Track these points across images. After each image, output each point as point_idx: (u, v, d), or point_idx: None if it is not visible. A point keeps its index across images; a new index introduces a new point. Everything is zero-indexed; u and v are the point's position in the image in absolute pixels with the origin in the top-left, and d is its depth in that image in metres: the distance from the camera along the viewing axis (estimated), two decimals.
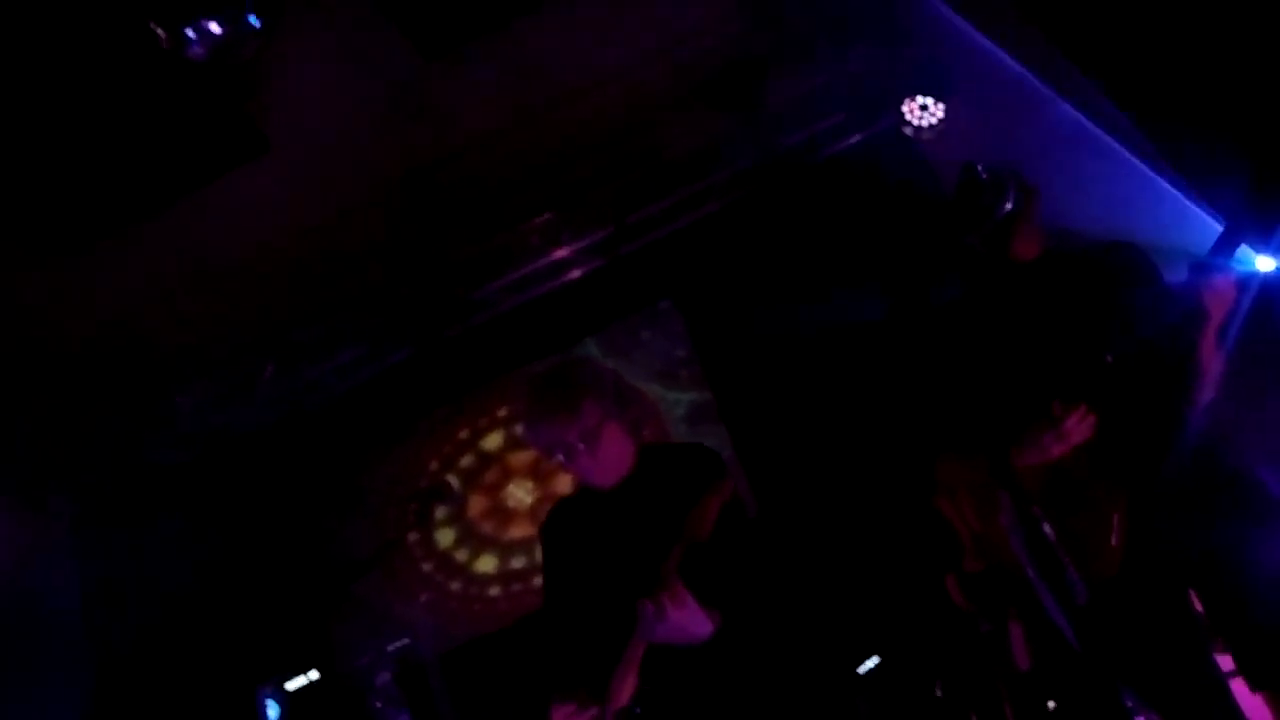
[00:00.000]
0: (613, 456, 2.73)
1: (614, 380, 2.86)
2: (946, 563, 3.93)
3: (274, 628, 5.62)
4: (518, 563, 5.91)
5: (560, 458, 2.75)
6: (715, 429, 5.85)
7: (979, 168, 2.93)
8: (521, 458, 6.11)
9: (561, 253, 6.04)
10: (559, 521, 2.93)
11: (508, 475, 6.10)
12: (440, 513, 3.85)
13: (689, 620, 2.43)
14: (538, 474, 6.01)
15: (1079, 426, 2.65)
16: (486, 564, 5.95)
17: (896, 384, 4.75)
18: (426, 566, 5.97)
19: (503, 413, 6.28)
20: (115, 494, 6.13)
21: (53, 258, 5.03)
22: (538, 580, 5.74)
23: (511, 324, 6.11)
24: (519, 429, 2.97)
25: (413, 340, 6.10)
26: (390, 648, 3.94)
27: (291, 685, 3.56)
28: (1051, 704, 3.42)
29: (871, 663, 4.42)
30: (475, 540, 6.00)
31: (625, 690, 2.49)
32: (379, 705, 3.71)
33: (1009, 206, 2.89)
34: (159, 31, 3.81)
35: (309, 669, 3.73)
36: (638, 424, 2.87)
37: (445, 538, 5.99)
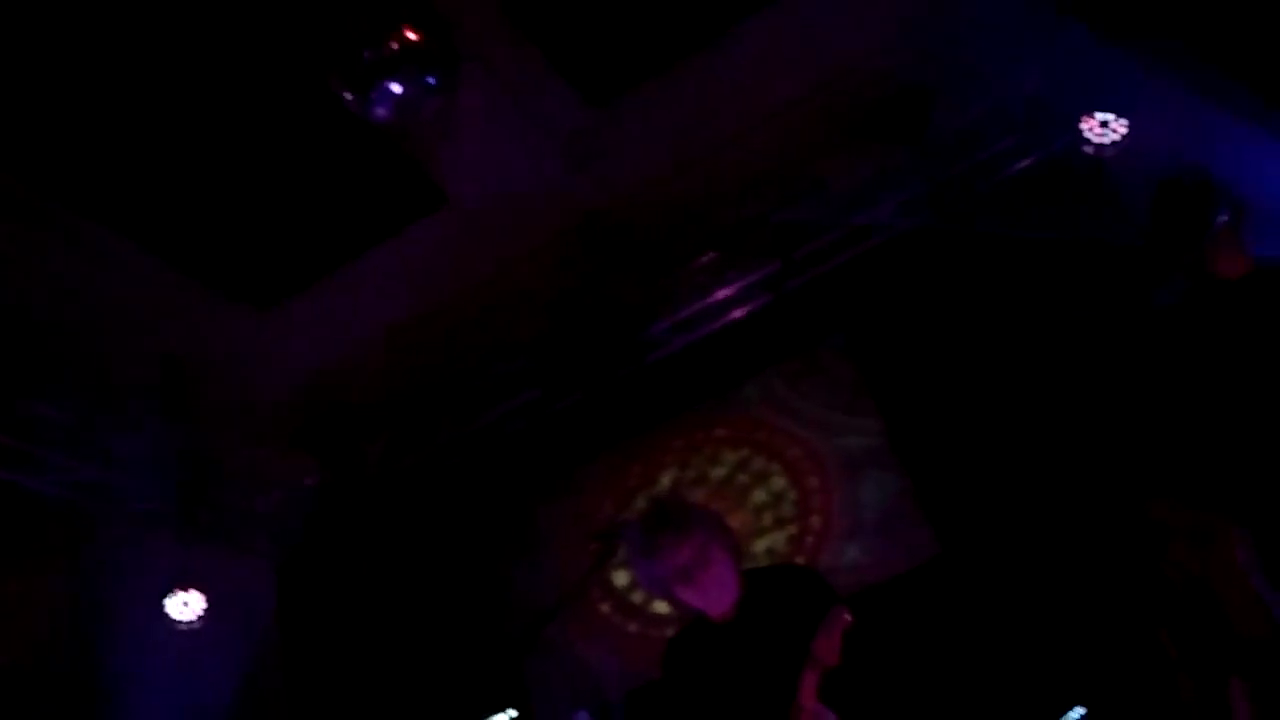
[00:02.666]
0: (724, 578, 2.83)
1: (712, 512, 3.07)
2: (1159, 612, 3.68)
3: (468, 669, 5.75)
4: None
5: (676, 588, 2.83)
6: (882, 475, 5.68)
7: (1184, 180, 2.75)
8: (696, 495, 6.08)
9: (728, 291, 6.02)
10: (679, 653, 3.01)
11: None
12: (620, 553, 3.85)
13: None
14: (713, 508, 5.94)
15: None
16: (662, 605, 5.91)
17: (1093, 420, 4.51)
18: (604, 607, 5.99)
19: (677, 448, 6.26)
20: (310, 542, 6.41)
21: (248, 312, 5.34)
22: None
23: (682, 363, 6.11)
24: (631, 570, 3.11)
25: (583, 383, 6.17)
26: (583, 688, 3.92)
27: None
28: None
29: (1076, 715, 4.17)
30: None
31: None
32: None
33: (1224, 219, 2.70)
34: (345, 95, 4.01)
35: (505, 708, 3.78)
36: (738, 551, 2.98)
37: (621, 578, 5.99)
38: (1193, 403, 2.77)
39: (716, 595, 2.81)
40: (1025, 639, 4.39)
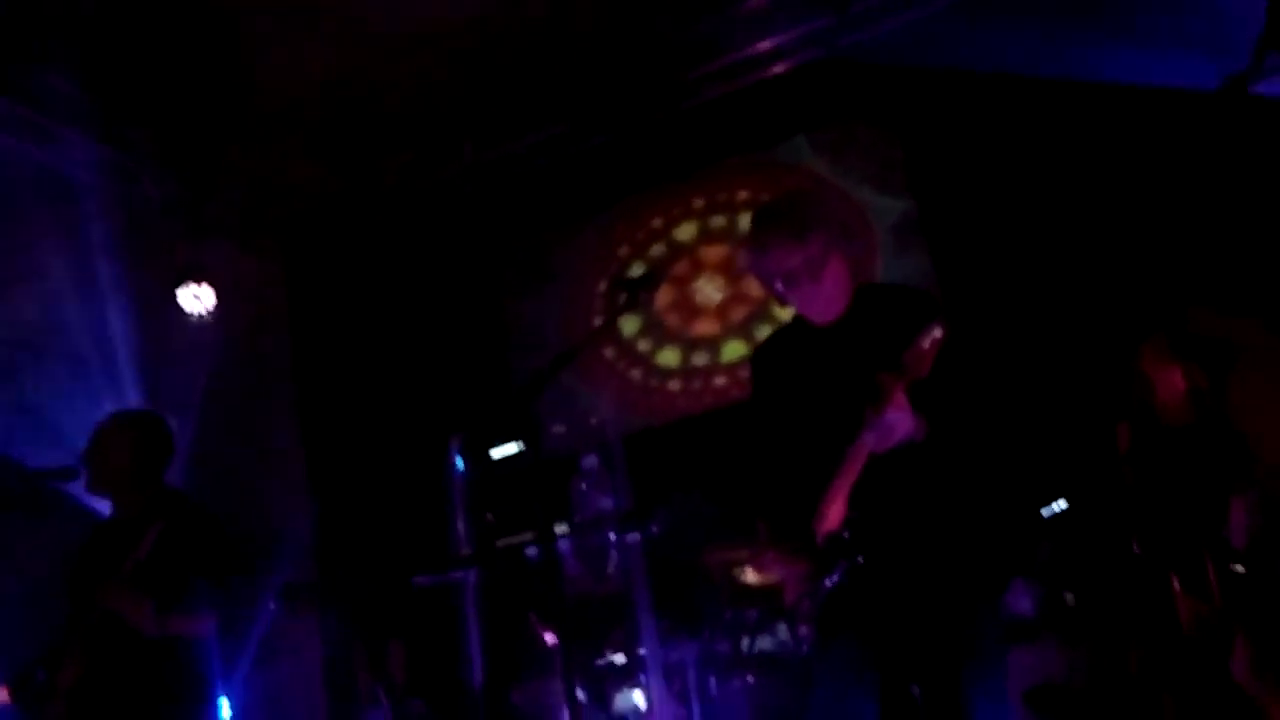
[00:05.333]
0: (834, 289, 2.68)
1: (842, 215, 2.77)
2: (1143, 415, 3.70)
3: (475, 398, 5.89)
4: (700, 360, 5.90)
5: (780, 287, 2.70)
6: (902, 258, 5.55)
7: None
8: (714, 253, 6.00)
9: (775, 41, 5.67)
10: (772, 352, 2.90)
11: (698, 269, 6.01)
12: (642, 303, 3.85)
13: (904, 420, 2.45)
14: (729, 272, 5.89)
15: None
16: (669, 357, 5.97)
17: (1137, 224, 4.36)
18: (609, 353, 6.04)
19: (699, 204, 6.13)
20: (323, 247, 6.39)
21: (276, 16, 5.06)
22: (719, 380, 5.86)
23: (720, 114, 5.86)
24: (740, 256, 2.93)
25: (615, 123, 5.94)
26: (587, 431, 4.00)
27: (496, 453, 3.68)
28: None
29: (1058, 506, 4.26)
30: (659, 332, 6.00)
31: (835, 512, 2.50)
32: (584, 487, 3.80)
33: None
34: None
35: (511, 440, 3.85)
36: (859, 262, 2.80)
37: (629, 326, 6.01)
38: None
39: (821, 306, 2.67)
40: (1019, 426, 4.40)
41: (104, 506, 3.62)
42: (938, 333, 2.41)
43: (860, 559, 2.51)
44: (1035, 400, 4.40)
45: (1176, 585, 3.35)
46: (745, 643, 4.26)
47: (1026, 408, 4.07)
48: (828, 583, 2.54)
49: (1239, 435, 3.43)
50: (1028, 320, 4.87)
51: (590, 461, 3.92)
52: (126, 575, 3.22)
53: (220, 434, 5.50)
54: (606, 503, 3.79)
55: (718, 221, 6.09)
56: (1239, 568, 3.32)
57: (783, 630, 4.25)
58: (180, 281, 5.74)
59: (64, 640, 3.30)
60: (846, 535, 2.52)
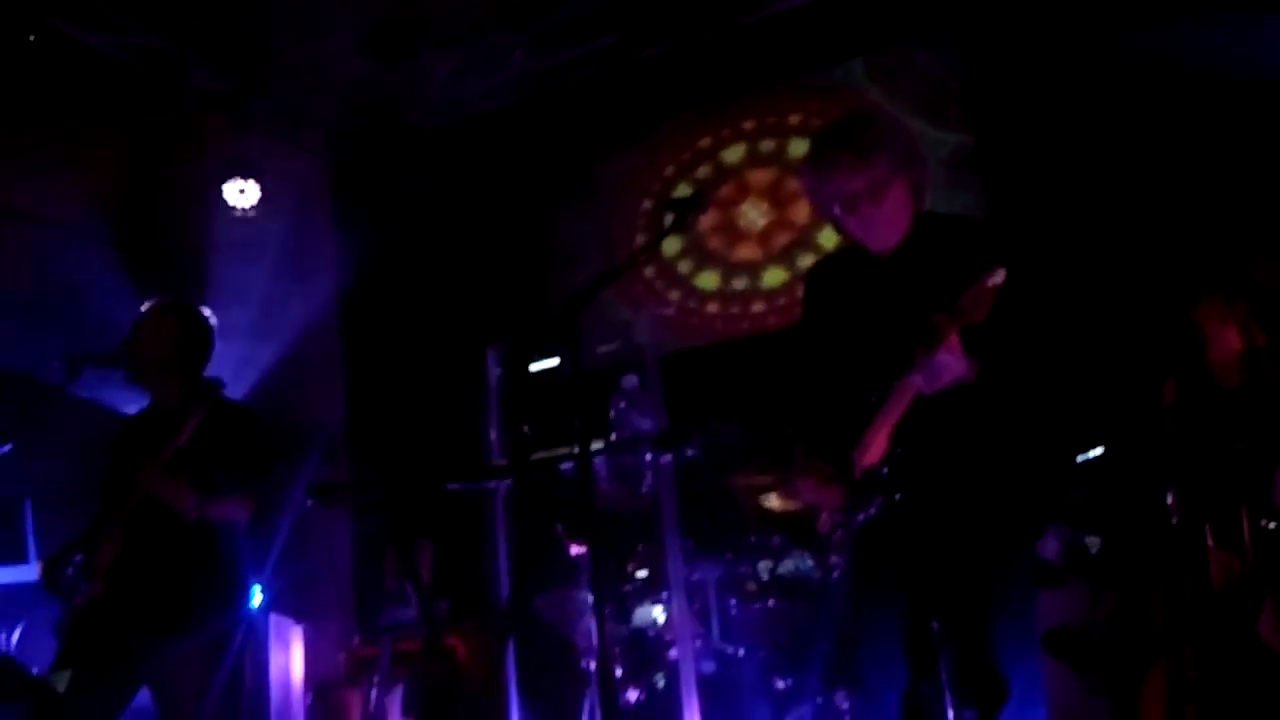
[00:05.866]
0: (894, 216, 2.61)
1: (906, 138, 2.75)
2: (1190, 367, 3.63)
3: (512, 307, 5.88)
4: (739, 284, 5.84)
5: (838, 211, 2.63)
6: (953, 191, 5.40)
7: None
8: (761, 176, 5.90)
9: None
10: (826, 274, 2.86)
11: (744, 193, 5.92)
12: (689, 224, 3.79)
13: (955, 363, 2.42)
14: (775, 197, 5.80)
15: None
16: (708, 280, 5.91)
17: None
18: (649, 272, 6.00)
19: (749, 126, 6.00)
20: (370, 148, 6.35)
21: None
22: (757, 306, 5.81)
23: (777, 31, 5.70)
24: (800, 177, 2.83)
25: (669, 35, 5.81)
26: (631, 347, 3.98)
27: (535, 366, 3.69)
28: None
29: (1094, 453, 4.22)
30: (700, 254, 5.94)
31: (877, 447, 2.48)
32: (623, 406, 3.80)
33: None
34: None
35: (551, 354, 3.84)
36: (920, 188, 2.71)
37: (670, 246, 5.95)
38: None
39: (880, 232, 2.60)
40: (1068, 375, 4.34)
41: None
42: (999, 277, 2.36)
43: (898, 496, 2.50)
44: (1085, 349, 4.33)
45: (1210, 539, 3.33)
46: (767, 566, 4.30)
47: (1077, 356, 4.01)
48: (862, 515, 2.54)
49: None
50: (1081, 266, 4.76)
51: (630, 381, 3.90)
52: (166, 461, 3.27)
53: (260, 332, 5.56)
54: (645, 423, 3.78)
55: (767, 145, 5.97)
56: (1273, 525, 3.29)
57: (804, 558, 4.28)
58: (226, 176, 5.75)
59: (100, 523, 3.38)
60: (885, 471, 2.50)
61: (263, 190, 5.77)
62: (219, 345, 3.64)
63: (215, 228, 5.72)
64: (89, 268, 5.36)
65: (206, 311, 3.66)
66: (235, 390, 3.79)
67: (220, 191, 5.72)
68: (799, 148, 5.70)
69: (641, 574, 4.33)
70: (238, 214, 5.72)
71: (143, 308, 3.59)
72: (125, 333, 3.53)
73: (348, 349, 6.38)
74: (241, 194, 5.73)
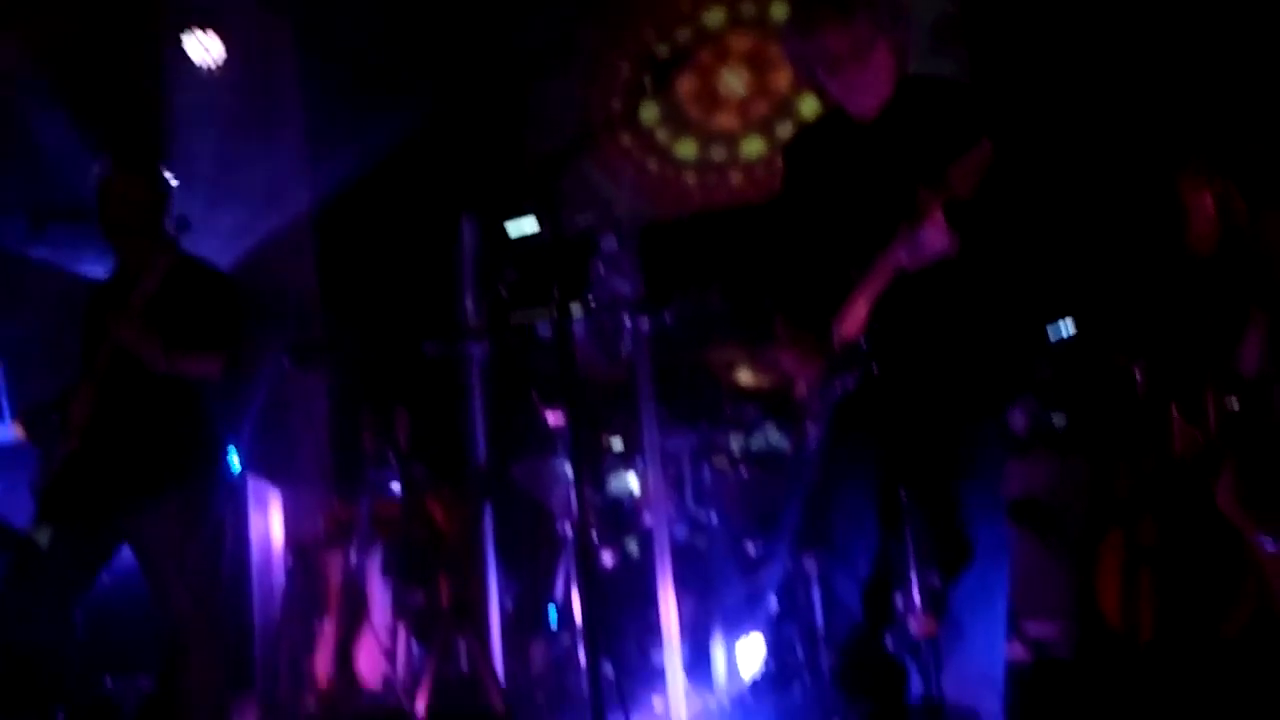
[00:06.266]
0: (877, 78, 2.56)
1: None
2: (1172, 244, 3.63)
3: (488, 170, 5.75)
4: (718, 154, 5.75)
5: (821, 74, 2.57)
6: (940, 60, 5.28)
7: None
8: (742, 42, 5.74)
9: None
10: (806, 144, 2.82)
11: (724, 59, 5.77)
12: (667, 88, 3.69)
13: (938, 238, 2.41)
14: (757, 63, 5.65)
15: None
16: (686, 149, 5.81)
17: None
18: (625, 139, 5.88)
19: None
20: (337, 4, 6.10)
21: None
22: (735, 176, 5.73)
23: None
24: (780, 38, 2.74)
25: None
26: (610, 216, 3.92)
27: (511, 228, 3.61)
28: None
29: (1066, 328, 4.25)
30: (678, 122, 5.82)
31: (856, 320, 2.48)
32: (603, 270, 3.75)
33: None
34: None
35: (527, 216, 3.76)
36: (904, 50, 2.65)
37: (648, 113, 5.82)
38: None
39: (861, 95, 2.57)
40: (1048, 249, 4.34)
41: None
42: (986, 152, 2.32)
43: (875, 368, 2.51)
44: (1066, 223, 4.32)
45: (1175, 413, 3.40)
46: (739, 440, 4.36)
47: (1057, 231, 4.00)
48: (839, 386, 2.56)
49: (1265, 263, 3.37)
50: (1065, 137, 4.71)
51: (610, 243, 3.85)
52: (136, 310, 3.23)
53: (228, 190, 5.42)
54: (624, 286, 3.75)
55: (748, 9, 5.80)
56: (1234, 401, 3.36)
57: (776, 432, 4.34)
58: (185, 25, 5.50)
59: (77, 379, 3.35)
60: (864, 348, 2.52)
61: (226, 47, 5.53)
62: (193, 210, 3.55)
63: (177, 83, 5.51)
64: (41, 121, 5.17)
65: (164, 168, 3.56)
66: (200, 252, 3.70)
67: (179, 45, 5.49)
68: (780, 11, 5.55)
69: (616, 442, 4.38)
70: (200, 70, 5.50)
71: (105, 167, 3.48)
72: (82, 189, 3.44)
73: (319, 211, 6.25)
74: (204, 50, 5.50)
